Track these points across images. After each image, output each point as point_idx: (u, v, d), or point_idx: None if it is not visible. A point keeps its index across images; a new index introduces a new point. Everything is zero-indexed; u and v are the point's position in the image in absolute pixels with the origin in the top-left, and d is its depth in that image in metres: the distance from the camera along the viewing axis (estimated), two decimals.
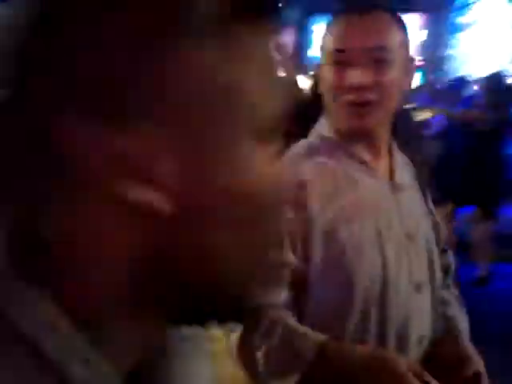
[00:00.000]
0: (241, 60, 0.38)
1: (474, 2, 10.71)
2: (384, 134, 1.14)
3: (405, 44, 1.09)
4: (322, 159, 1.10)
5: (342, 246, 1.04)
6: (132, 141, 0.35)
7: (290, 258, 1.03)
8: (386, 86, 1.05)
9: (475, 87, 5.59)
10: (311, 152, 1.12)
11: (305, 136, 1.19)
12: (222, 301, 0.41)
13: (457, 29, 11.15)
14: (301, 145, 1.16)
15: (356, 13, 1.08)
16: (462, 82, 5.44)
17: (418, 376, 0.90)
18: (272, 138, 0.41)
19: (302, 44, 17.70)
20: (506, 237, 4.60)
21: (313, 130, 1.18)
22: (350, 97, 1.04)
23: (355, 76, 1.03)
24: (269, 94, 0.40)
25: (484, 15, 10.39)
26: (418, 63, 3.30)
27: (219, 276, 0.40)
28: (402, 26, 1.09)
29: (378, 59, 1.03)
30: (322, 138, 1.14)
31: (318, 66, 1.13)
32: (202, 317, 0.42)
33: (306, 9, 17.26)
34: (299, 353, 0.97)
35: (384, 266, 1.06)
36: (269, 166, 0.40)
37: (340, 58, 1.05)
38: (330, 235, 1.04)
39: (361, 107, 1.04)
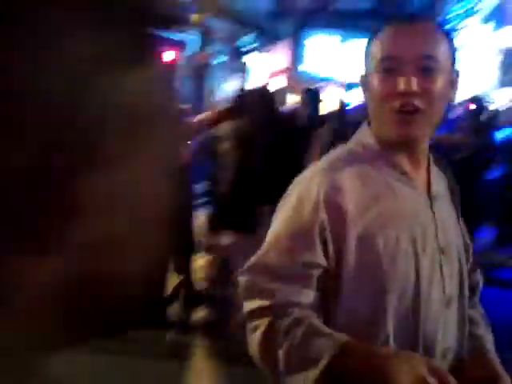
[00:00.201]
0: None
1: (461, 28, 10.95)
2: (425, 146, 1.15)
3: (452, 57, 1.10)
4: (362, 166, 1.10)
5: (376, 253, 1.04)
6: None
7: (321, 259, 1.04)
8: (433, 95, 1.05)
9: (460, 110, 5.75)
10: (351, 158, 1.12)
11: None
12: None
13: None
14: (339, 151, 1.16)
15: (405, 22, 1.11)
16: (447, 105, 5.55)
17: (441, 378, 0.89)
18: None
19: (296, 56, 17.88)
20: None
21: (353, 137, 1.18)
22: (398, 103, 1.05)
23: (404, 83, 1.03)
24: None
25: (470, 41, 10.63)
26: None
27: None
28: (450, 40, 1.11)
29: (426, 68, 1.04)
30: (364, 146, 1.14)
31: (363, 75, 1.14)
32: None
33: (298, 24, 17.45)
34: (320, 350, 0.96)
35: (417, 277, 1.06)
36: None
37: (389, 65, 1.06)
38: (366, 241, 1.04)
39: (408, 114, 1.05)
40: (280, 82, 14.86)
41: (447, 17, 11.69)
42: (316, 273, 1.05)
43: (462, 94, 8.00)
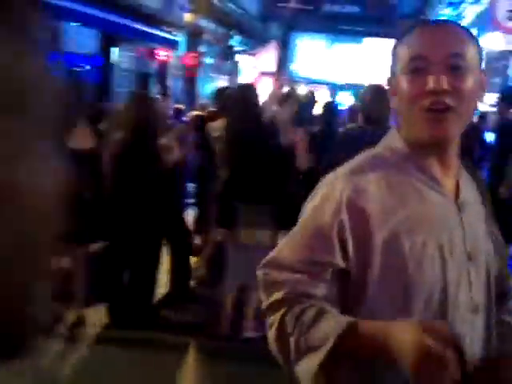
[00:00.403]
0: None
1: None
2: (455, 149, 1.13)
3: (479, 56, 1.09)
4: (388, 170, 1.10)
5: (402, 257, 1.04)
6: None
7: (338, 259, 1.05)
8: (463, 93, 1.04)
9: None
10: (377, 162, 1.12)
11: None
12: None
13: None
14: (365, 155, 1.15)
15: (432, 24, 1.14)
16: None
17: (449, 344, 0.87)
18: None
19: (284, 58, 17.96)
20: None
21: (381, 141, 1.18)
22: (428, 102, 1.03)
23: (433, 81, 1.02)
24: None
25: None
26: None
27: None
28: (475, 40, 1.10)
29: (455, 66, 1.04)
30: (392, 150, 1.14)
31: (390, 79, 1.14)
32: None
33: (286, 27, 17.54)
34: (326, 332, 0.97)
35: (444, 282, 1.06)
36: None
37: (417, 65, 1.05)
38: (391, 244, 1.04)
39: (439, 113, 1.04)
40: (268, 83, 14.87)
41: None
42: (332, 271, 1.05)
43: None
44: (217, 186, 3.52)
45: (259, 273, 1.11)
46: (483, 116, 5.62)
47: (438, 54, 1.04)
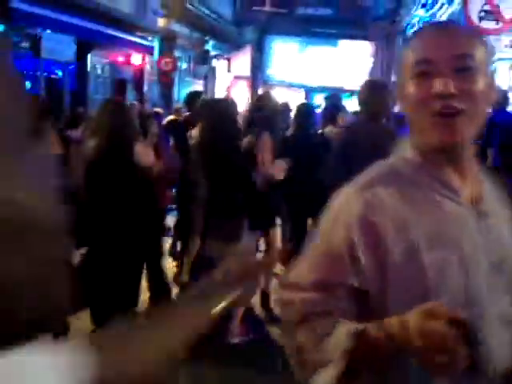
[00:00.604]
0: None
1: None
2: (469, 154, 1.08)
3: (488, 57, 1.06)
4: (403, 182, 1.06)
5: (422, 272, 1.00)
6: None
7: (350, 278, 1.03)
8: (473, 95, 1.01)
9: None
10: (391, 175, 1.09)
11: None
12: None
13: None
14: (379, 167, 1.12)
15: (436, 26, 1.12)
16: None
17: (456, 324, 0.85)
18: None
19: (259, 63, 18.01)
20: None
21: (394, 151, 1.14)
22: (437, 105, 1.00)
23: (440, 84, 0.99)
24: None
25: None
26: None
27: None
28: (483, 41, 1.08)
29: (463, 68, 1.01)
30: (405, 160, 1.09)
31: (398, 86, 1.11)
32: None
33: (260, 30, 17.61)
34: (340, 339, 0.96)
35: (468, 295, 1.02)
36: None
37: (423, 69, 1.02)
38: (410, 260, 1.00)
39: (448, 117, 1.00)
40: (243, 87, 14.89)
41: (410, 21, 11.98)
42: (347, 289, 1.03)
43: None
44: (195, 193, 3.51)
45: (275, 295, 1.11)
46: None
47: (442, 56, 1.02)
